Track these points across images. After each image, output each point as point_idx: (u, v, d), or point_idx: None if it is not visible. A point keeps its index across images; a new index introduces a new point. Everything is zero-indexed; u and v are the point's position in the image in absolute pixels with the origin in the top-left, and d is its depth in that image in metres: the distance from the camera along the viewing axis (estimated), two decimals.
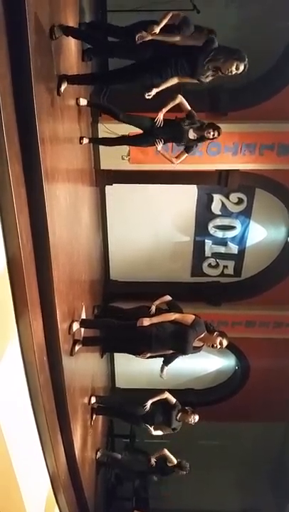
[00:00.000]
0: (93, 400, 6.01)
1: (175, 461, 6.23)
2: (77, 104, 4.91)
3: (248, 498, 10.77)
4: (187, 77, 4.08)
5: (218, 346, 4.33)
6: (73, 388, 4.59)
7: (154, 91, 4.10)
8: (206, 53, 3.77)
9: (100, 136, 6.24)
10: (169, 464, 6.29)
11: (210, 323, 4.52)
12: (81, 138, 5.22)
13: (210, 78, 3.93)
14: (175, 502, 10.13)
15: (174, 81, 4.28)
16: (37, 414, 3.76)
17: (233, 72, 3.71)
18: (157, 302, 5.26)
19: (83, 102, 5.02)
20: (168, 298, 5.23)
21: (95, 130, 6.26)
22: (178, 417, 5.51)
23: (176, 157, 5.11)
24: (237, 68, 3.69)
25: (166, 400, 5.60)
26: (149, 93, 4.10)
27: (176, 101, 4.54)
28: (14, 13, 2.65)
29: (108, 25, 5.65)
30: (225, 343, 4.34)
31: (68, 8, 4.33)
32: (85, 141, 5.33)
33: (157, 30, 4.01)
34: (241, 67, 3.70)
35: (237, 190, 7.66)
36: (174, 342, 4.40)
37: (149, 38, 3.92)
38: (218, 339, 4.32)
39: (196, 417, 5.47)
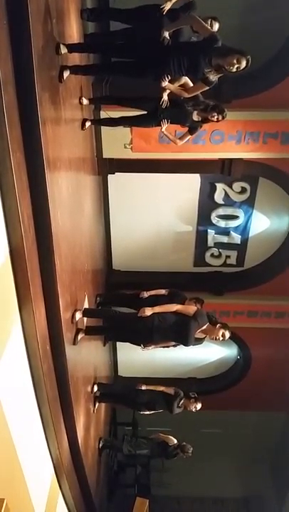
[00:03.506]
0: (96, 388, 6.06)
1: (175, 441, 6.29)
2: (80, 103, 4.87)
3: (249, 485, 10.90)
4: (190, 75, 4.02)
5: (221, 338, 4.32)
6: (76, 377, 4.62)
7: (167, 78, 4.00)
8: (208, 50, 3.70)
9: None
10: (170, 444, 6.34)
11: (212, 314, 4.50)
12: (83, 121, 5.16)
13: (215, 76, 3.85)
14: (177, 489, 10.26)
15: (182, 80, 4.24)
16: (40, 403, 3.78)
17: (235, 67, 3.62)
18: (152, 292, 5.28)
19: (85, 101, 5.00)
20: (162, 292, 5.26)
21: (97, 117, 6.20)
22: (180, 404, 5.54)
23: (180, 138, 5.07)
24: (238, 62, 3.60)
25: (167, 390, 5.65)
26: (164, 80, 4.00)
27: (181, 81, 4.46)
28: None
29: (111, 9, 5.58)
30: (227, 335, 4.33)
31: None
32: (88, 124, 5.26)
33: (168, 7, 3.99)
34: (243, 62, 3.61)
35: (240, 180, 7.60)
36: (176, 333, 4.40)
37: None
38: (221, 331, 4.30)
39: (199, 405, 5.48)
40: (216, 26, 4.42)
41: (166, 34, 3.87)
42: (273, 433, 10.67)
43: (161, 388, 5.68)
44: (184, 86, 4.38)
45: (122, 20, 4.61)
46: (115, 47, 4.43)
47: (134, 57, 4.12)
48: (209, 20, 4.38)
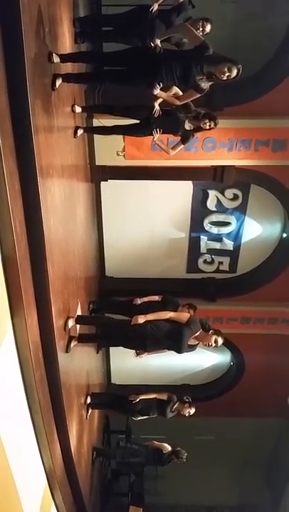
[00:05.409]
0: (89, 399, 6.04)
1: (169, 448, 6.26)
2: (73, 111, 4.89)
3: (244, 492, 10.86)
4: (182, 83, 4.06)
5: (214, 345, 4.32)
6: (69, 384, 4.59)
7: (159, 86, 4.03)
8: (199, 58, 3.74)
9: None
10: (165, 452, 6.31)
11: (205, 321, 4.51)
12: (76, 129, 5.17)
13: (207, 84, 3.90)
14: (171, 497, 10.20)
15: (173, 90, 4.30)
16: (33, 411, 3.75)
17: (226, 75, 3.67)
18: (145, 299, 5.29)
19: (78, 109, 5.02)
20: (156, 298, 5.27)
21: (89, 125, 6.22)
22: (173, 408, 5.52)
23: (172, 148, 5.08)
24: (229, 71, 3.65)
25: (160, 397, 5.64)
26: (155, 88, 4.02)
27: (172, 91, 4.49)
28: (8, 7, 2.61)
29: (103, 15, 5.64)
30: (220, 341, 4.33)
31: (63, 2, 4.29)
32: (80, 131, 5.27)
33: (156, 7, 4.17)
34: (234, 71, 3.66)
35: (232, 186, 7.66)
36: (169, 341, 4.40)
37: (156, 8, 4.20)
38: (214, 337, 4.31)
39: (192, 410, 5.46)
40: (208, 27, 4.46)
41: (158, 42, 3.91)
42: (267, 440, 10.66)
43: (154, 395, 5.67)
44: (174, 95, 4.42)
45: (115, 25, 4.64)
46: (107, 55, 4.46)
47: (126, 65, 4.15)
48: (201, 21, 4.43)
